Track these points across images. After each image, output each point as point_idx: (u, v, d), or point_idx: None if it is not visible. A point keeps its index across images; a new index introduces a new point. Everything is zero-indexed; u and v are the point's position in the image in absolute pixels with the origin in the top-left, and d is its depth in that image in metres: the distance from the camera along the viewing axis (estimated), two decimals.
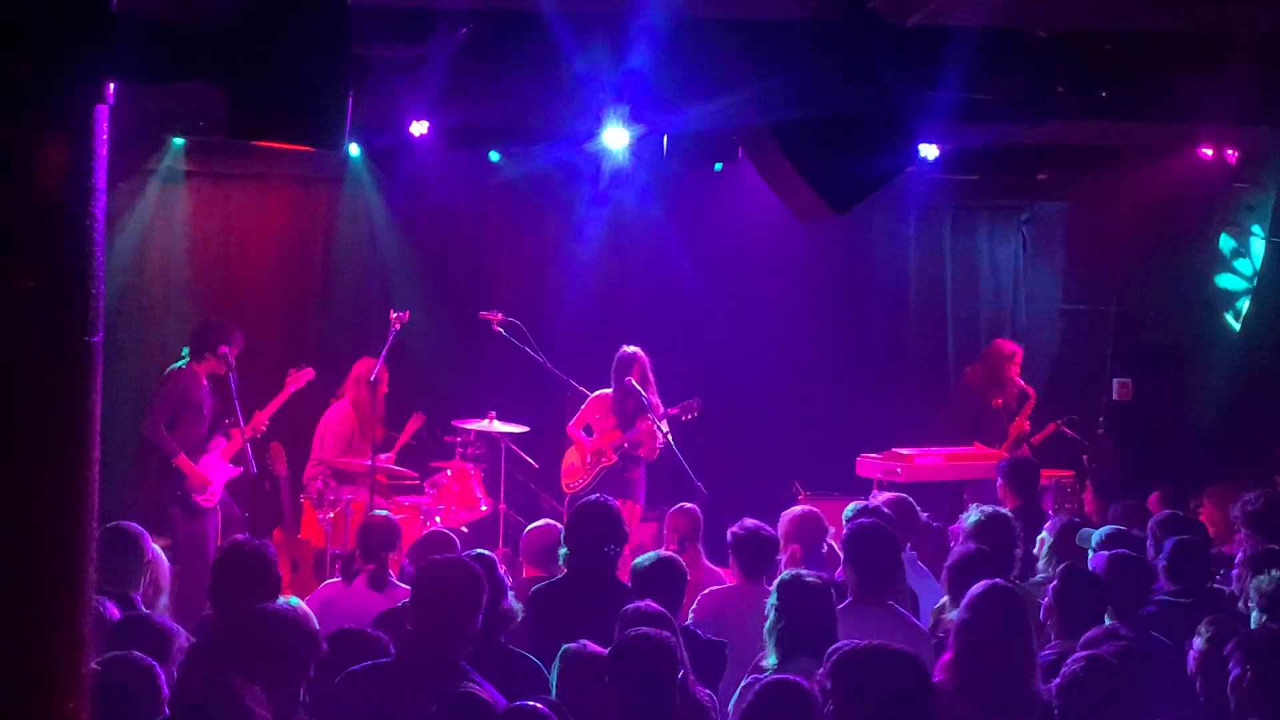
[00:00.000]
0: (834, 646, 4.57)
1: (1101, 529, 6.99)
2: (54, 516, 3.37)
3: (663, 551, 6.71)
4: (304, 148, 3.69)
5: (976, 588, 5.23)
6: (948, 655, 5.13)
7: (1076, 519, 7.74)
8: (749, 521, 6.90)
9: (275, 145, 3.83)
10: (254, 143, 3.83)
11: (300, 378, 10.08)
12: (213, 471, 9.37)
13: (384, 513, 7.74)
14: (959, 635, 5.10)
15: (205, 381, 9.45)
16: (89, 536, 3.47)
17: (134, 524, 6.18)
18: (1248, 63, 8.26)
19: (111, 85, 3.43)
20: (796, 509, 7.27)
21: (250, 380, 9.85)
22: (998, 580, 5.37)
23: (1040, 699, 4.98)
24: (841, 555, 6.31)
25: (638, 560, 6.28)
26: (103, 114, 3.41)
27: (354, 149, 11.19)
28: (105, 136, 3.41)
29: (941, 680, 4.94)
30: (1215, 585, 7.02)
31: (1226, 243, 11.49)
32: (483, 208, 12.04)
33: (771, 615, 5.44)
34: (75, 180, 3.35)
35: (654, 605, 5.39)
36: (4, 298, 3.27)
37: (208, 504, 9.33)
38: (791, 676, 4.71)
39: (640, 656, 4.84)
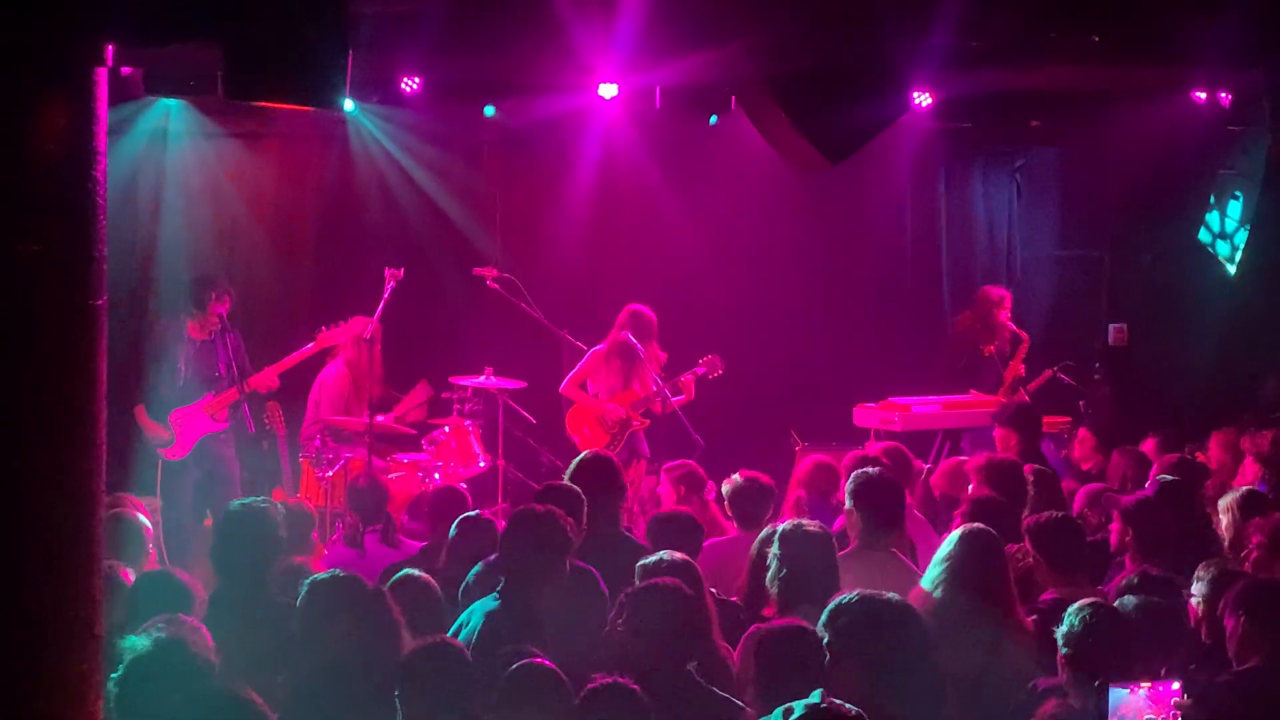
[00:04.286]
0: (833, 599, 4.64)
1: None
2: (62, 478, 3.37)
3: (678, 508, 6.84)
4: (302, 107, 3.67)
5: (959, 530, 5.54)
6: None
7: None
8: (744, 473, 7.01)
9: (273, 106, 3.80)
10: (252, 103, 3.80)
11: (332, 336, 9.85)
12: (183, 426, 9.29)
13: (368, 475, 7.77)
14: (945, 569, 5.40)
15: (195, 337, 9.38)
16: (98, 498, 3.48)
17: (135, 513, 6.21)
18: (1240, 5, 8.23)
19: (110, 47, 3.40)
20: (812, 458, 7.40)
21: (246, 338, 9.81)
22: (976, 524, 5.58)
23: (1026, 632, 5.25)
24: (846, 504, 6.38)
25: (655, 516, 6.38)
26: (102, 76, 3.38)
27: (347, 105, 11.11)
28: (105, 99, 3.38)
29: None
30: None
31: (1220, 185, 11.48)
32: (475, 163, 11.99)
33: (773, 565, 5.50)
34: (76, 143, 3.32)
35: (680, 555, 5.45)
36: (7, 262, 3.25)
37: (173, 457, 9.29)
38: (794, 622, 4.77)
39: (657, 602, 4.89)
